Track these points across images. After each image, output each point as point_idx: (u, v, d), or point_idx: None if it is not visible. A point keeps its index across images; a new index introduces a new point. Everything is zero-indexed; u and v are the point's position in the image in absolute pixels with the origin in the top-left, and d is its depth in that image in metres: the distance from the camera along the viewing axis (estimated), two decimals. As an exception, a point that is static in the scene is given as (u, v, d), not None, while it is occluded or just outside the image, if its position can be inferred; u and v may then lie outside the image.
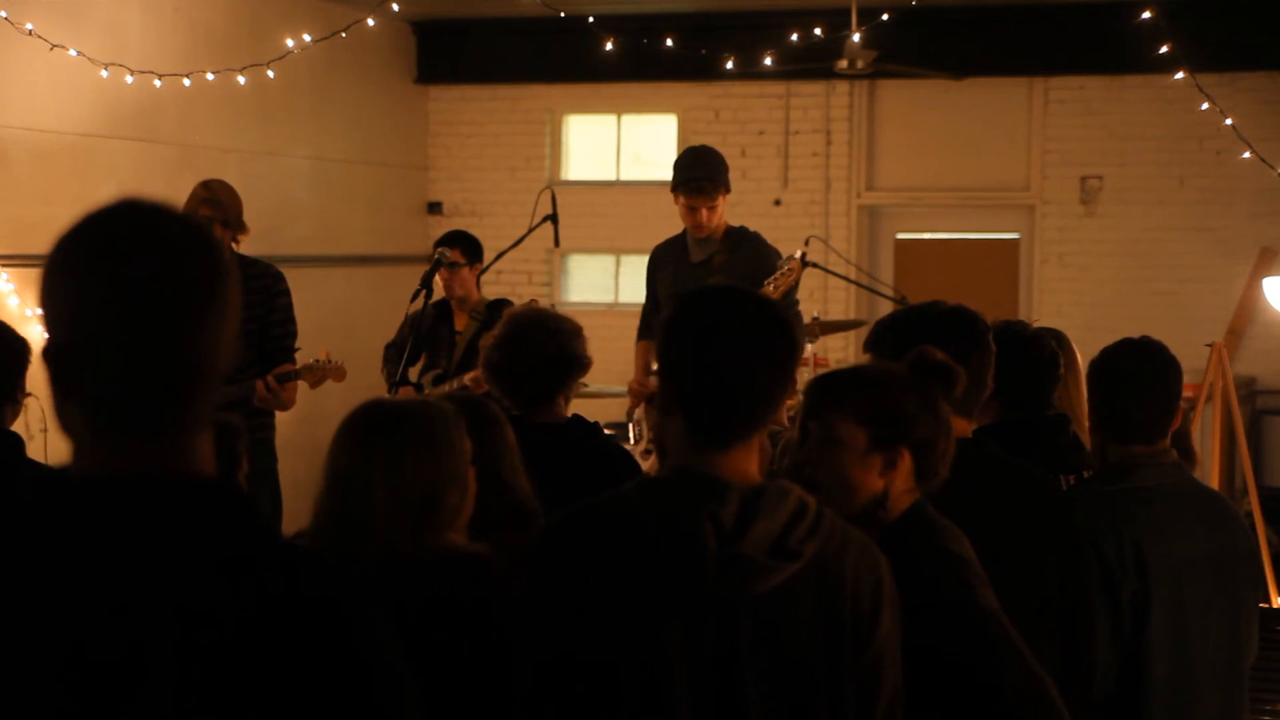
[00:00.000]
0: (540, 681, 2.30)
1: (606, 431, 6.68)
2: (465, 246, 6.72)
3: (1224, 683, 3.51)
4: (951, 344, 2.99)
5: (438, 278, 6.65)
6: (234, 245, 6.35)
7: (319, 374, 6.47)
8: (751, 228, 6.52)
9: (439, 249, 6.69)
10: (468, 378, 6.29)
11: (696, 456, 2.35)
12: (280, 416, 6.46)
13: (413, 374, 6.63)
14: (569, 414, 4.15)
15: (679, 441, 2.37)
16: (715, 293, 2.49)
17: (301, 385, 6.39)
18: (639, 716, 2.27)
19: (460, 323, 6.77)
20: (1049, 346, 3.81)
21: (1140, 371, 3.54)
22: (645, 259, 6.86)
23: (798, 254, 6.15)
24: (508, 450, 3.23)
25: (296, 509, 8.78)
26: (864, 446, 2.69)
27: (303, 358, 6.54)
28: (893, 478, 2.71)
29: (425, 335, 6.67)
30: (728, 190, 6.34)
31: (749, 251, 6.26)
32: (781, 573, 2.27)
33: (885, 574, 2.40)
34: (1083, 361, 4.19)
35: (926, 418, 2.72)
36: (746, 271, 6.06)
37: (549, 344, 4.07)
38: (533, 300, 6.36)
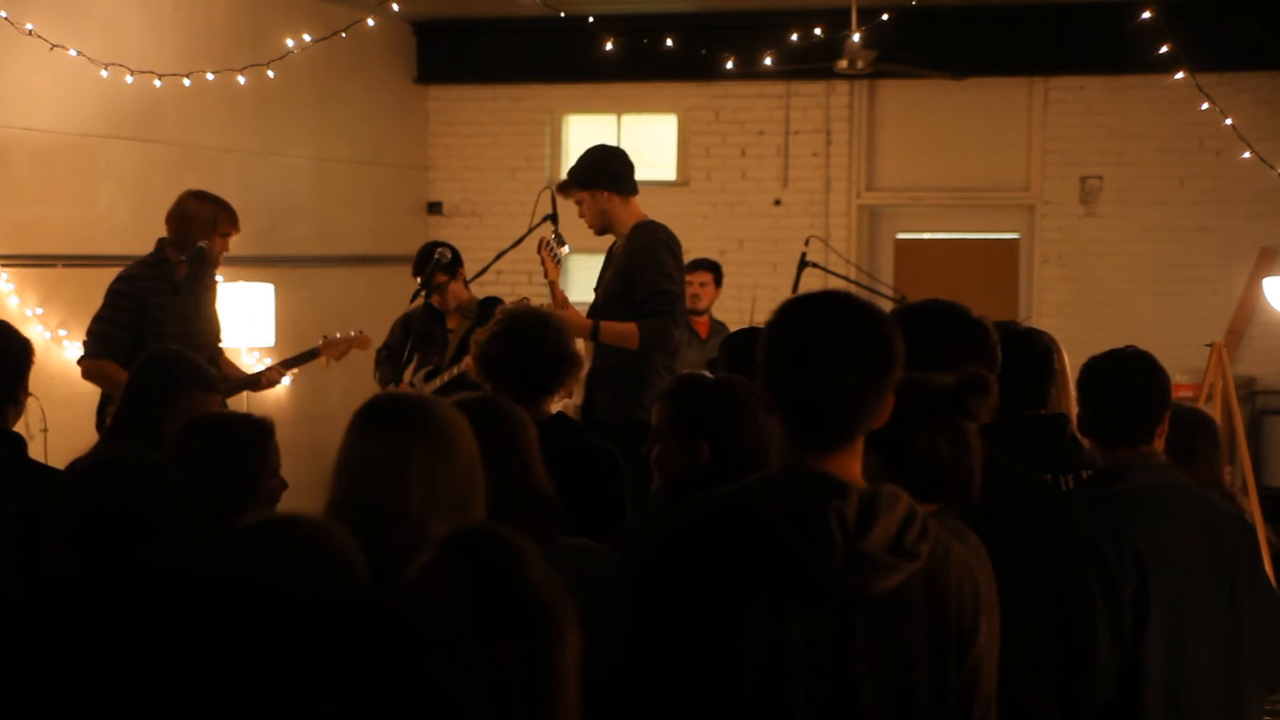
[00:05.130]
0: (660, 672, 2.29)
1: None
2: (447, 261, 6.77)
3: (1224, 681, 3.51)
4: (961, 349, 3.02)
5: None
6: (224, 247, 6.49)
7: (341, 347, 6.67)
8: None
9: (437, 249, 6.73)
10: (465, 363, 6.32)
11: (804, 457, 2.35)
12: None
13: (406, 374, 6.66)
14: (554, 410, 4.19)
15: (784, 441, 2.38)
16: (816, 300, 2.47)
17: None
18: (760, 709, 2.27)
19: (453, 321, 6.83)
20: (1042, 344, 3.82)
21: (1123, 379, 3.58)
22: (645, 259, 6.85)
23: (558, 247, 6.15)
24: (530, 444, 3.21)
25: (297, 509, 8.78)
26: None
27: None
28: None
29: (418, 335, 6.69)
30: (589, 187, 6.15)
31: (633, 244, 6.10)
32: (901, 572, 2.29)
33: (982, 582, 2.43)
34: (1070, 365, 4.20)
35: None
36: (624, 265, 6.03)
37: (546, 341, 4.10)
38: (524, 299, 6.38)
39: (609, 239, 6.30)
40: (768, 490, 2.33)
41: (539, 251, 6.21)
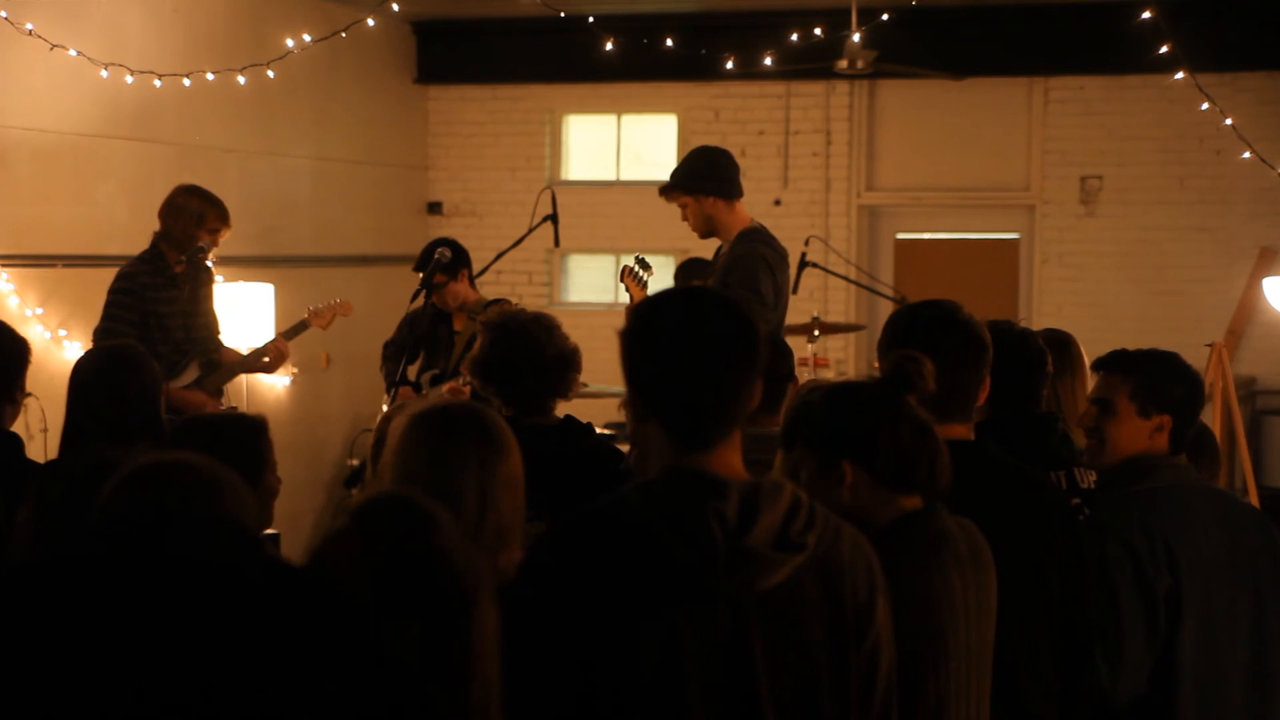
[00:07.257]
0: (552, 685, 2.27)
1: (605, 431, 6.70)
2: (446, 262, 6.73)
3: (1253, 679, 3.52)
4: (941, 347, 3.03)
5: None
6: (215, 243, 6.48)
7: (327, 315, 7.02)
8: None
9: (438, 249, 6.70)
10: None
11: (684, 457, 2.35)
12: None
13: (411, 373, 6.65)
14: (562, 414, 4.17)
15: (662, 444, 2.38)
16: (668, 299, 2.51)
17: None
18: (656, 716, 2.26)
19: (459, 323, 6.78)
20: (1035, 344, 3.84)
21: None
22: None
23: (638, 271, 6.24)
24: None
25: (297, 509, 8.79)
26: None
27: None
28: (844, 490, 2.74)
29: (423, 335, 6.69)
30: (695, 192, 6.12)
31: (733, 256, 6.07)
32: (788, 565, 2.29)
33: (875, 562, 2.44)
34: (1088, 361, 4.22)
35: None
36: (722, 277, 6.00)
37: (550, 347, 4.08)
38: (505, 301, 6.37)
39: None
40: (645, 496, 2.33)
41: (622, 279, 6.18)
